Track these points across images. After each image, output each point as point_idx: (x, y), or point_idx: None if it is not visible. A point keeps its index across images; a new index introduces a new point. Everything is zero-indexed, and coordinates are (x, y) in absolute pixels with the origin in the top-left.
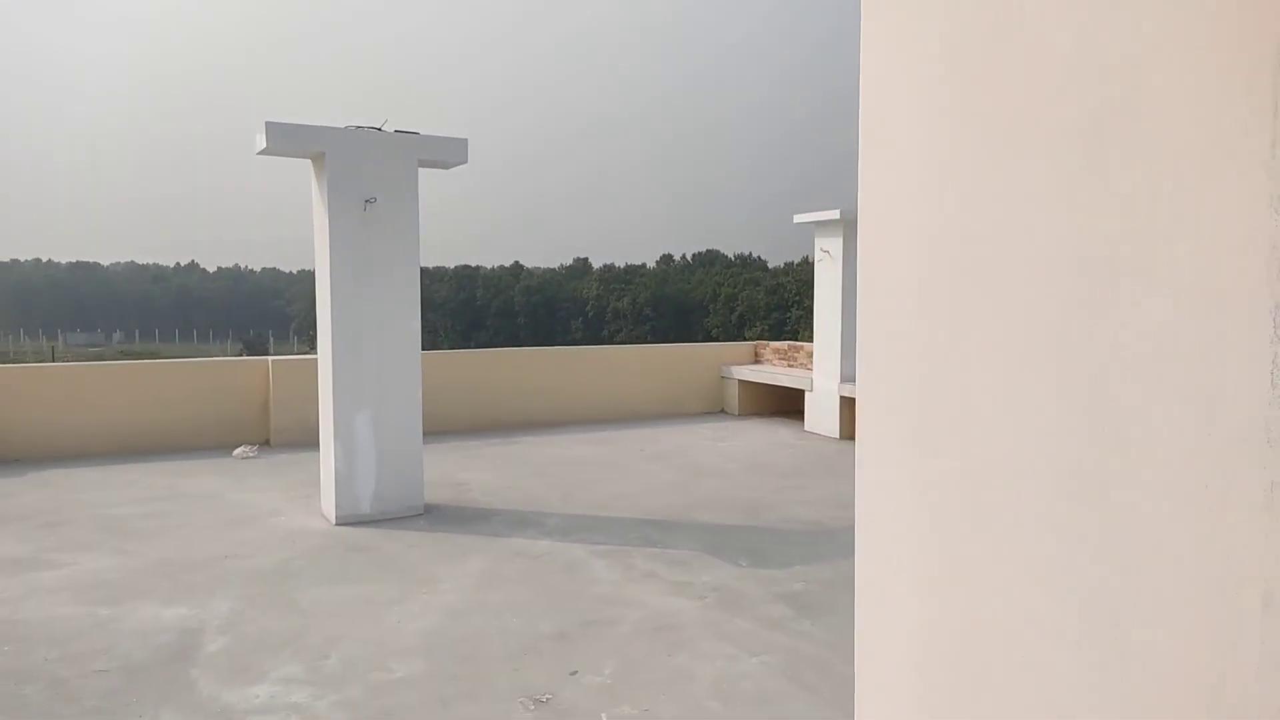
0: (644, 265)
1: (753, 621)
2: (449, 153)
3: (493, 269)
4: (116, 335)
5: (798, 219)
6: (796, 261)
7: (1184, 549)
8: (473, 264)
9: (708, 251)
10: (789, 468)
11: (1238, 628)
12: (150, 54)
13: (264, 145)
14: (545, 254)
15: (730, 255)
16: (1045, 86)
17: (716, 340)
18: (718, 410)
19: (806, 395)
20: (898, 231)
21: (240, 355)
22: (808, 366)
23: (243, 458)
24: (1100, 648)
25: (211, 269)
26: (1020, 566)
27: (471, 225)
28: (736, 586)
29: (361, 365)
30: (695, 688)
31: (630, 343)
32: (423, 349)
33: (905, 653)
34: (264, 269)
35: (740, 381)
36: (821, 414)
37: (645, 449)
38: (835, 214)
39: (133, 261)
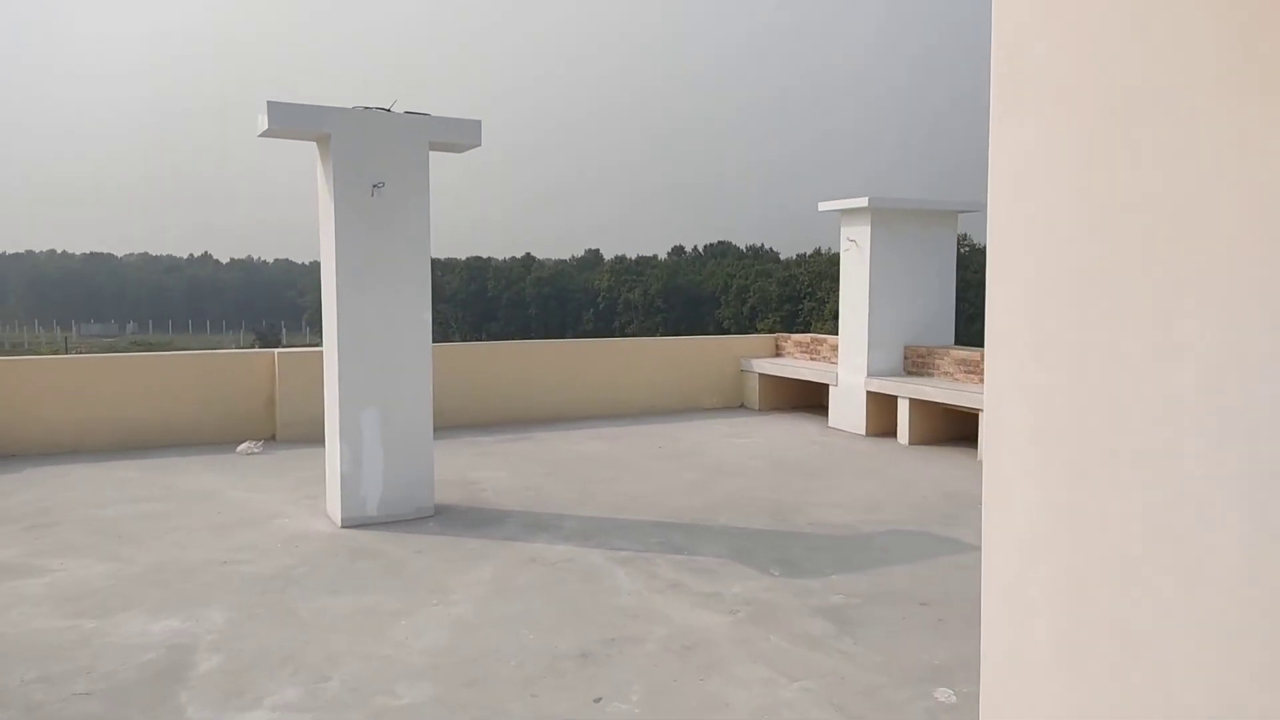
0: (655, 256)
1: (789, 639)
2: (462, 135)
3: (504, 260)
4: (130, 326)
5: (823, 206)
6: (809, 253)
7: None
8: (484, 255)
9: (719, 243)
10: (815, 466)
11: None
12: (166, 42)
13: (266, 126)
14: (556, 245)
15: (742, 246)
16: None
17: (729, 332)
18: (737, 405)
19: (831, 390)
20: (1045, 219)
21: (253, 345)
22: (831, 360)
23: (247, 454)
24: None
25: (225, 260)
26: (1200, 566)
27: (482, 217)
28: (769, 599)
29: (369, 359)
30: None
31: (642, 334)
32: (433, 341)
33: (1044, 656)
34: (277, 260)
35: (761, 375)
36: (846, 409)
37: (663, 446)
38: (863, 201)
39: (146, 252)
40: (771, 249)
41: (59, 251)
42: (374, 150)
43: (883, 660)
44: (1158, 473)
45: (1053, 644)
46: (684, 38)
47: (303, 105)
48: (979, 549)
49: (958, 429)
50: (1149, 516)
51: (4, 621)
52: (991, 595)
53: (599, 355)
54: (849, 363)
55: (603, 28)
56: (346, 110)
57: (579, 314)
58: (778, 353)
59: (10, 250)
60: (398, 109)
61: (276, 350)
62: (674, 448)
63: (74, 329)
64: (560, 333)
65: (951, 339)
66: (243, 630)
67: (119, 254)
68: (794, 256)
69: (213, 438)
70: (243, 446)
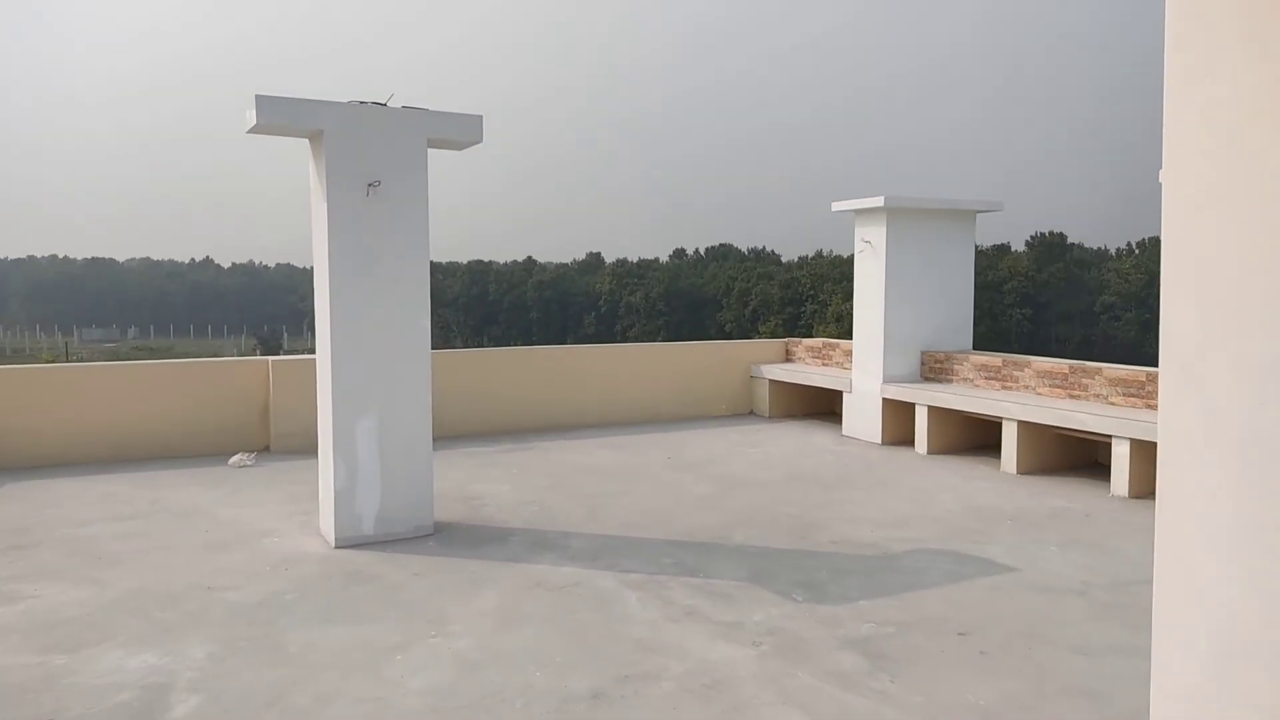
0: (657, 259)
1: (820, 676)
2: (461, 130)
3: (505, 264)
4: (132, 331)
5: (836, 206)
6: (811, 255)
7: None
8: (485, 259)
9: (720, 245)
10: (832, 478)
11: None
12: (167, 43)
13: (254, 122)
14: (558, 249)
15: (744, 249)
16: None
17: (731, 335)
18: (746, 412)
19: (844, 397)
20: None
21: (255, 350)
22: (844, 366)
23: (239, 466)
24: None
25: (226, 265)
26: None
27: (483, 220)
28: (794, 629)
29: (364, 367)
30: None
31: (643, 338)
32: (433, 347)
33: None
34: (278, 265)
35: (771, 381)
36: (861, 417)
37: (672, 456)
38: (878, 201)
39: (148, 257)
40: (773, 252)
41: (60, 256)
42: (369, 147)
43: (923, 701)
44: None
45: None
46: (692, 41)
47: (293, 99)
48: (1014, 570)
49: (978, 437)
50: None
51: None
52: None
53: (604, 361)
54: (864, 368)
55: (605, 29)
56: (340, 104)
57: (580, 317)
58: (788, 358)
59: (12, 255)
60: (394, 104)
61: (270, 358)
62: (683, 458)
63: (75, 334)
64: (562, 337)
65: (970, 343)
66: (225, 667)
67: (120, 259)
68: (795, 259)
69: (204, 449)
70: (235, 459)
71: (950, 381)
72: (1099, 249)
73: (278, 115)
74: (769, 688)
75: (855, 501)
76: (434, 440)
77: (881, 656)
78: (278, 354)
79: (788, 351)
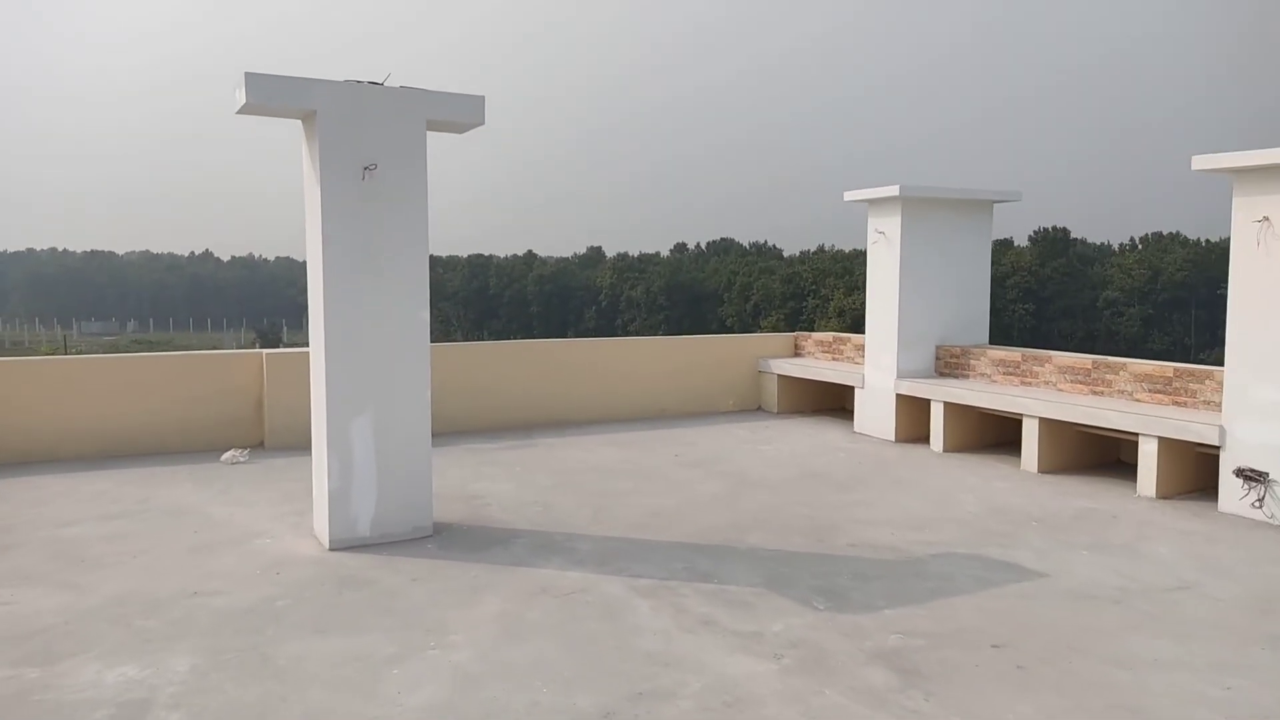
0: (658, 253)
1: (847, 694)
2: (463, 112)
3: (505, 258)
4: (131, 324)
5: (849, 196)
6: (813, 249)
7: None
8: (485, 253)
9: (722, 239)
10: (846, 476)
11: None
12: (168, 35)
13: (244, 101)
14: (558, 242)
15: (745, 243)
16: None
17: (732, 329)
18: (754, 407)
19: (856, 392)
20: None
21: (254, 343)
22: (855, 360)
23: (232, 463)
24: None
25: (225, 258)
26: None
27: (483, 214)
28: (817, 640)
29: (360, 362)
30: None
31: (644, 332)
32: (433, 341)
33: None
34: (278, 257)
35: (780, 376)
36: (874, 413)
37: (680, 453)
38: (893, 190)
39: (147, 250)
40: (775, 246)
41: (60, 250)
42: (365, 128)
43: None
44: None
45: None
46: (693, 36)
47: (285, 77)
48: (1044, 576)
49: (995, 435)
50: None
51: None
52: None
53: (608, 355)
54: (877, 363)
55: (607, 25)
56: (334, 83)
57: (581, 311)
58: (797, 352)
59: (11, 248)
60: (392, 83)
61: (265, 351)
62: (692, 455)
63: (75, 327)
64: (562, 330)
65: (986, 338)
66: (209, 682)
67: (120, 252)
68: (797, 253)
69: (196, 445)
70: (227, 455)
71: (967, 377)
72: (1102, 244)
73: (268, 94)
74: (793, 706)
75: (872, 502)
76: (433, 437)
77: (913, 671)
78: (277, 347)
79: (796, 345)
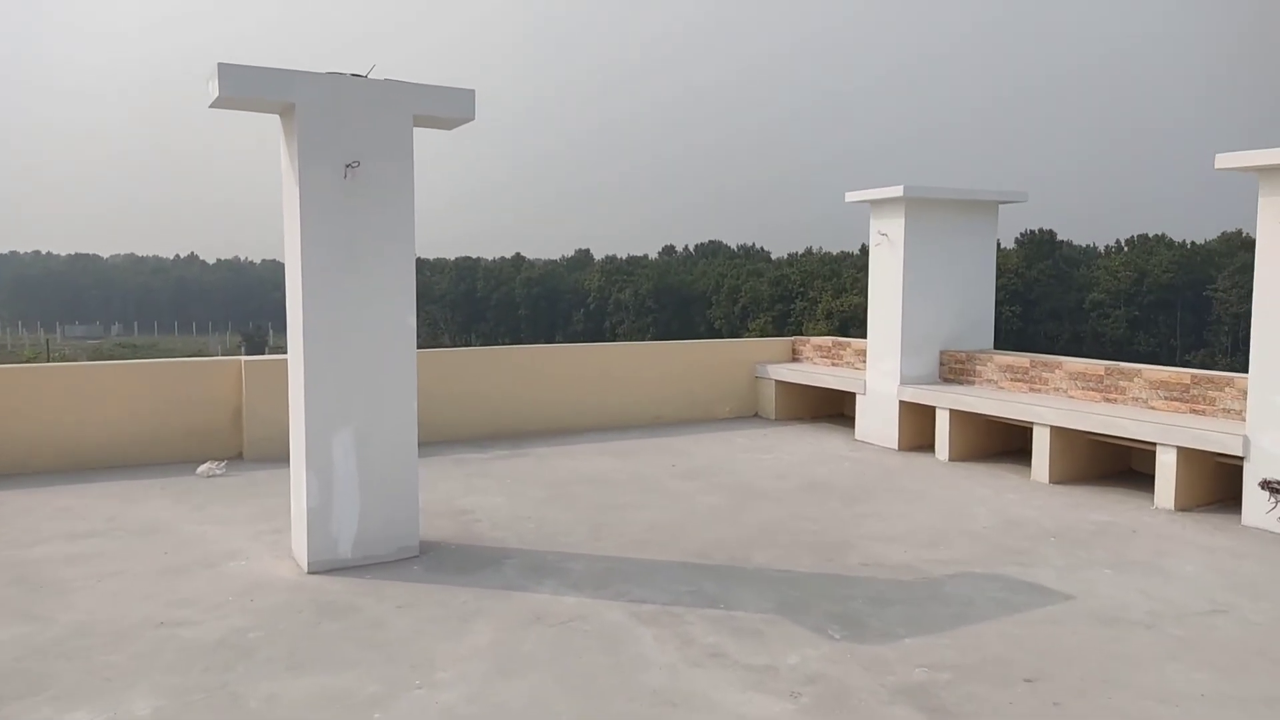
0: (646, 256)
1: None
2: (451, 106)
3: (493, 260)
4: (115, 328)
5: (851, 197)
6: (800, 252)
7: None
8: (473, 255)
9: (710, 242)
10: (851, 487)
11: None
12: (152, 36)
13: (218, 94)
14: (546, 245)
15: (733, 246)
16: None
17: (721, 332)
18: (751, 414)
19: (858, 399)
20: None
21: (239, 347)
22: (855, 365)
23: (208, 476)
24: None
25: (211, 261)
26: None
27: (471, 217)
28: (836, 675)
29: (342, 371)
30: None
31: (633, 335)
32: (419, 345)
33: None
34: (264, 261)
35: (778, 382)
36: (876, 420)
37: (677, 463)
38: (897, 191)
39: (132, 253)
40: (763, 249)
41: (43, 252)
42: (347, 123)
43: None
44: None
45: None
46: (680, 38)
47: (262, 69)
48: (1070, 598)
49: (1002, 443)
50: None
51: None
52: None
53: (602, 360)
54: (879, 369)
55: (596, 29)
56: (314, 75)
57: (569, 314)
58: (795, 357)
59: None
60: (376, 76)
61: (243, 358)
62: (689, 465)
63: (58, 331)
64: (550, 333)
65: (991, 343)
66: None
67: (104, 255)
68: (785, 256)
69: (171, 456)
70: (203, 467)
71: (973, 383)
72: (1087, 246)
73: (244, 86)
74: None
75: (881, 515)
76: (419, 447)
77: (941, 710)
78: (263, 351)
79: (794, 350)
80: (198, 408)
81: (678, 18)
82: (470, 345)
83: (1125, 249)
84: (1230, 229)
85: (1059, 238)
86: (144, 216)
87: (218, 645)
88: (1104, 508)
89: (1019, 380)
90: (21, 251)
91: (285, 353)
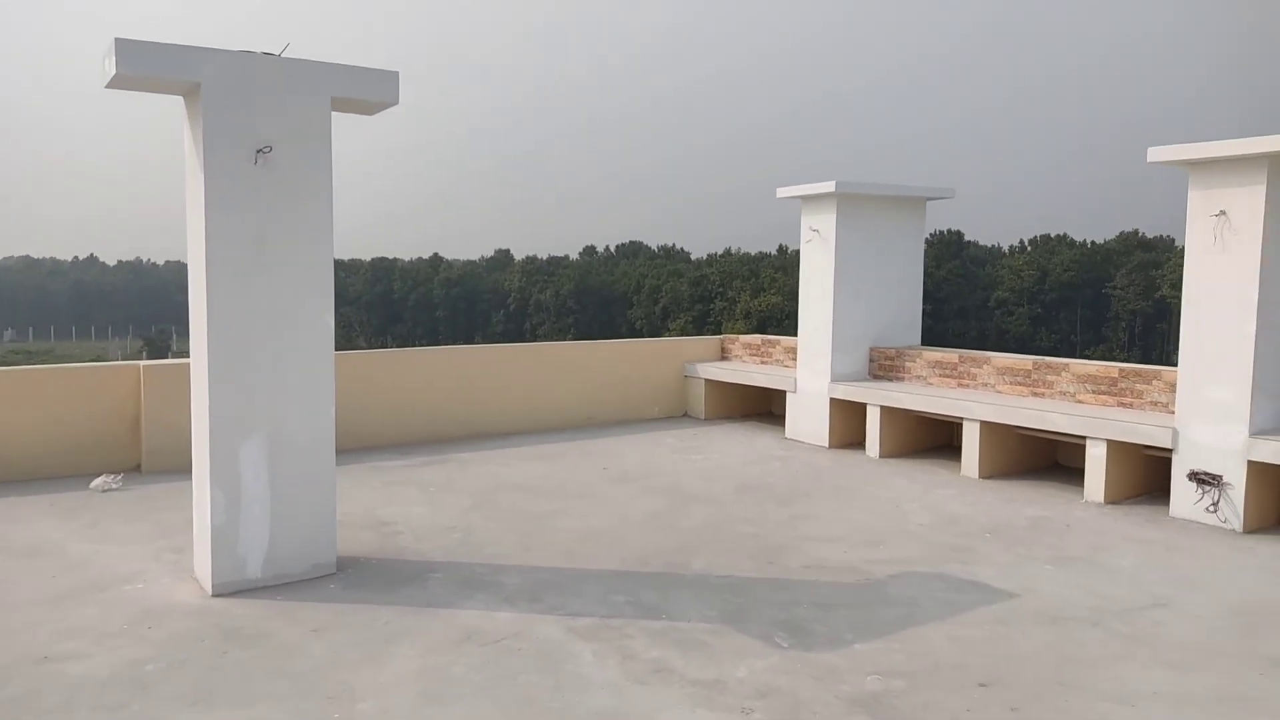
0: (567, 257)
1: None
2: (373, 89)
3: (410, 260)
4: (8, 334)
5: (782, 193)
6: (720, 252)
7: None
8: (390, 256)
9: (631, 242)
10: (787, 488)
11: None
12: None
13: (114, 72)
14: (465, 245)
15: (654, 246)
16: None
17: (641, 333)
18: (680, 414)
19: (788, 397)
20: None
21: (141, 352)
22: (785, 364)
23: (103, 490)
24: None
25: (112, 262)
26: None
27: (386, 216)
28: (786, 686)
29: (250, 374)
30: None
31: (553, 336)
32: (335, 348)
33: None
34: (167, 262)
35: (708, 381)
36: (806, 418)
37: (608, 466)
38: (829, 186)
39: (27, 255)
40: (682, 249)
41: None
42: (258, 105)
43: None
44: None
45: None
46: (604, 31)
47: (162, 44)
48: (1013, 596)
49: (930, 438)
50: None
51: None
52: None
53: (527, 361)
54: (810, 366)
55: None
56: (220, 52)
57: (489, 315)
58: (724, 356)
59: None
60: (290, 55)
61: (141, 363)
62: (621, 468)
63: None
64: (469, 335)
65: (919, 339)
66: None
67: None
68: (705, 256)
69: (62, 470)
70: (98, 481)
71: (902, 380)
72: (993, 246)
73: (143, 64)
74: None
75: (818, 516)
76: (336, 455)
77: None
78: (165, 356)
79: (724, 349)
80: (92, 417)
81: (623, 32)
82: (387, 348)
83: (1029, 249)
84: (1128, 229)
85: (966, 238)
86: (39, 217)
87: (110, 681)
88: (1036, 502)
89: (948, 376)
90: None
91: (182, 359)
